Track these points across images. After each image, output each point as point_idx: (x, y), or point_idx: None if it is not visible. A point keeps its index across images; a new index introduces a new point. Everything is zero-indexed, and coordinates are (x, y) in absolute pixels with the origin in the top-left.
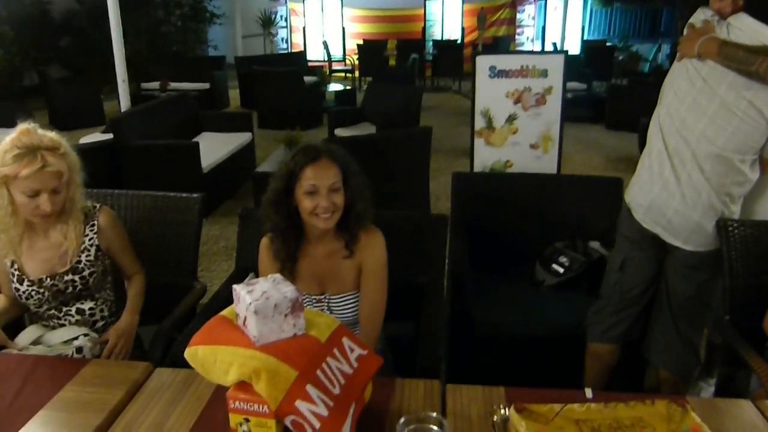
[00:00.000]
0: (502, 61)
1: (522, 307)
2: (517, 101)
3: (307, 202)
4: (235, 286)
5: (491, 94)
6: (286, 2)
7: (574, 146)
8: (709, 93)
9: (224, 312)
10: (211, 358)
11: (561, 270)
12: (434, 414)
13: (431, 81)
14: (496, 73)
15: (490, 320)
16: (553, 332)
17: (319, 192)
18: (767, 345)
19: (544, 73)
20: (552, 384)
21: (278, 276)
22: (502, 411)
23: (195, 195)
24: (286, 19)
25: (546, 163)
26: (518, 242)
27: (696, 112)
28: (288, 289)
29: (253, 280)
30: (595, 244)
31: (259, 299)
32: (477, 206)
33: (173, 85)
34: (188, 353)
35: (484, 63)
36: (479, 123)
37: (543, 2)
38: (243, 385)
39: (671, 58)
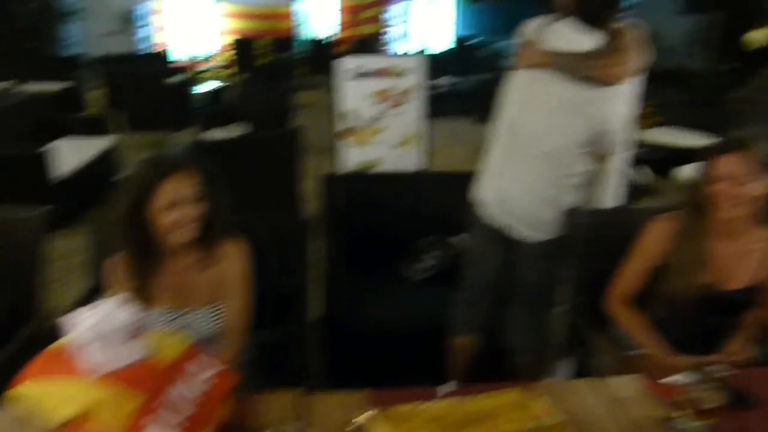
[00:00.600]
0: (365, 62)
1: (392, 304)
2: (380, 101)
3: (164, 217)
4: (69, 315)
5: (354, 94)
6: None
7: (447, 140)
8: (544, 93)
9: (58, 342)
10: (44, 394)
11: (428, 265)
12: (295, 425)
13: (304, 79)
14: (358, 75)
15: (361, 320)
16: (423, 327)
17: (175, 206)
18: (607, 328)
19: (406, 73)
20: (424, 379)
21: (117, 298)
22: (359, 418)
23: (36, 210)
24: (148, 17)
25: (413, 161)
26: (388, 240)
27: (533, 111)
28: (127, 313)
29: (91, 305)
30: (461, 238)
31: (96, 325)
32: (347, 207)
33: (25, 86)
34: (15, 393)
35: (345, 64)
36: (344, 123)
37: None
38: (83, 420)
39: None
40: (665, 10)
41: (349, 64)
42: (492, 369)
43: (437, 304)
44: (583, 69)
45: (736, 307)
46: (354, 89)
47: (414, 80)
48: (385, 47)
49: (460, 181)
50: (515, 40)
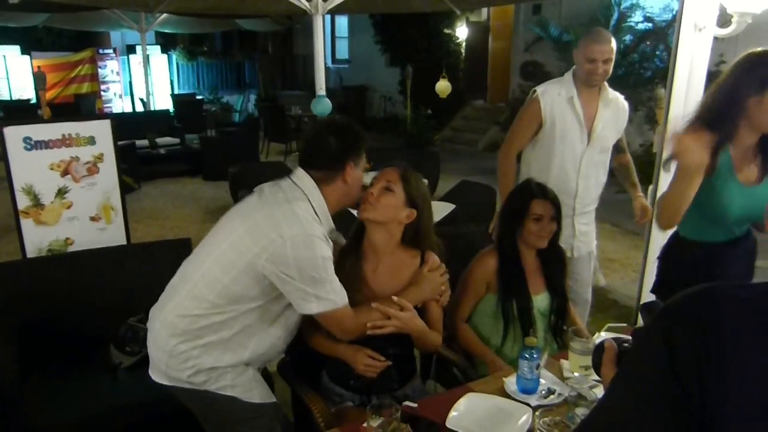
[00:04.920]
0: (40, 131)
1: (96, 399)
2: (65, 173)
3: None
4: None
5: (31, 168)
6: None
7: (173, 202)
8: None
9: None
10: None
11: (138, 348)
12: None
13: None
14: (33, 145)
15: (63, 423)
16: (138, 417)
17: None
18: (320, 383)
19: (91, 141)
20: None
21: None
22: None
23: None
24: None
25: (112, 235)
26: (90, 327)
27: None
28: None
29: None
30: None
31: None
32: (35, 296)
33: None
34: None
35: (15, 134)
36: (23, 201)
37: (126, 57)
38: None
39: (257, 106)
40: (379, 64)
41: (17, 133)
42: None
43: (149, 387)
44: None
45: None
46: (29, 162)
47: (101, 147)
48: (55, 119)
49: (165, 250)
50: None
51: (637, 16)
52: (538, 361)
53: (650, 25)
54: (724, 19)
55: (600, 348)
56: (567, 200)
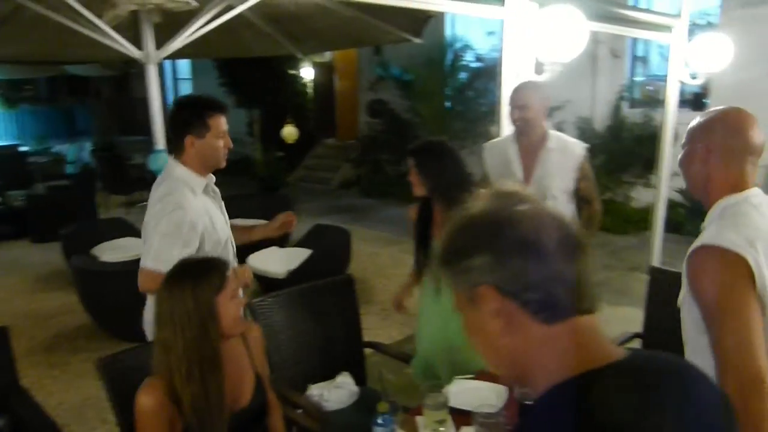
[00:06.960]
0: None
1: None
2: None
3: None
4: None
5: None
6: None
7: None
8: None
9: None
10: None
11: None
12: None
13: None
14: None
15: None
16: None
17: None
18: None
19: None
20: None
21: None
22: None
23: None
24: None
25: None
26: None
27: None
28: None
29: None
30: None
31: None
32: None
33: None
34: None
35: None
36: None
37: None
38: None
39: (94, 154)
40: (228, 103)
41: None
42: None
43: None
44: None
45: (259, 416)
46: None
47: None
48: None
49: None
50: None
51: (470, 56)
52: (392, 427)
53: (481, 64)
54: (539, 67)
55: None
56: None
